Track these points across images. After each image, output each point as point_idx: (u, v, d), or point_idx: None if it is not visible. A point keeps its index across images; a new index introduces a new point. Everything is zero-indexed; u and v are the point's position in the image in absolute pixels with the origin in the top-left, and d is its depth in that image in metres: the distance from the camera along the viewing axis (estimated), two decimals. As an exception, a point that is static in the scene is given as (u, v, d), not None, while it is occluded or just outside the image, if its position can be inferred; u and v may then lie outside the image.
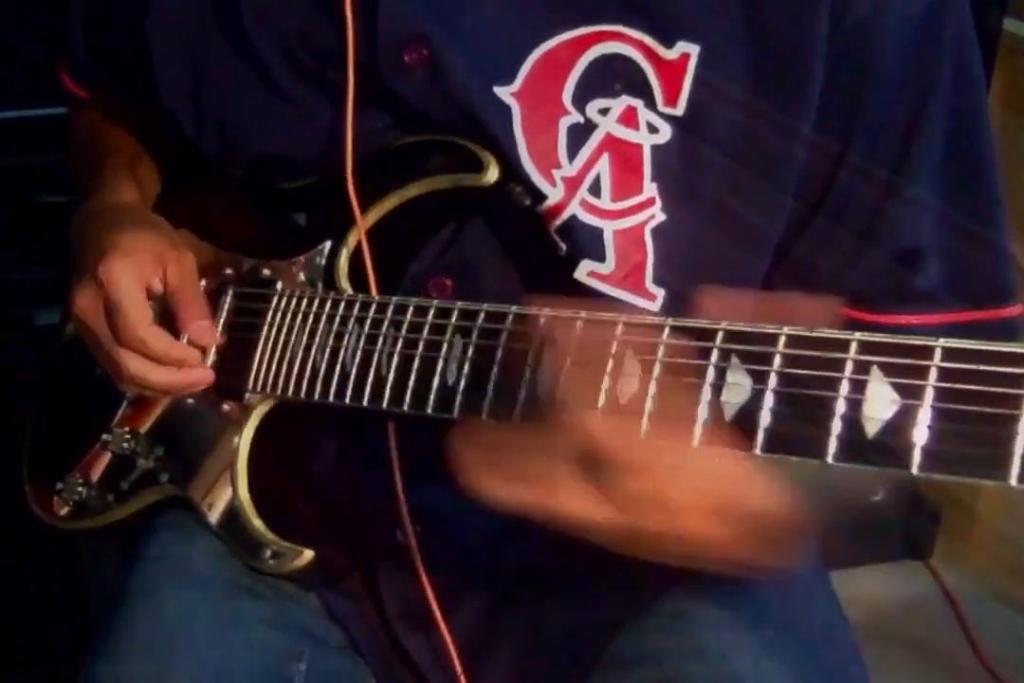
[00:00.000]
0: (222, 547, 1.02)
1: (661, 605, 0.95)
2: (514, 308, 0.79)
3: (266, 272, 1.03)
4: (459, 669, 0.96)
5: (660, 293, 0.90)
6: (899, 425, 0.58)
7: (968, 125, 0.89)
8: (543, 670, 1.01)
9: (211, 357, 1.03)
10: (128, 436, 1.08)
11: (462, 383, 0.81)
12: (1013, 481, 0.53)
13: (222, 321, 1.03)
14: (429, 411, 0.83)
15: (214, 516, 1.01)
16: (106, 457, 1.10)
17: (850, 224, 0.89)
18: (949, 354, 0.57)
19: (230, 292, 1.04)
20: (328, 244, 0.99)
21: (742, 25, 0.85)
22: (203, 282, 1.06)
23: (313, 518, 1.07)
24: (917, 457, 0.57)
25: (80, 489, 1.11)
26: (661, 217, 0.89)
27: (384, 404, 0.86)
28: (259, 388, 0.99)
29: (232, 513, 1.00)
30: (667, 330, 0.67)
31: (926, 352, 0.58)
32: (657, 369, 0.67)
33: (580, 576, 1.01)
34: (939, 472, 0.57)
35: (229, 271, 1.06)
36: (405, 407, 0.84)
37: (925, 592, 2.02)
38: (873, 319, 0.89)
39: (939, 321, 0.89)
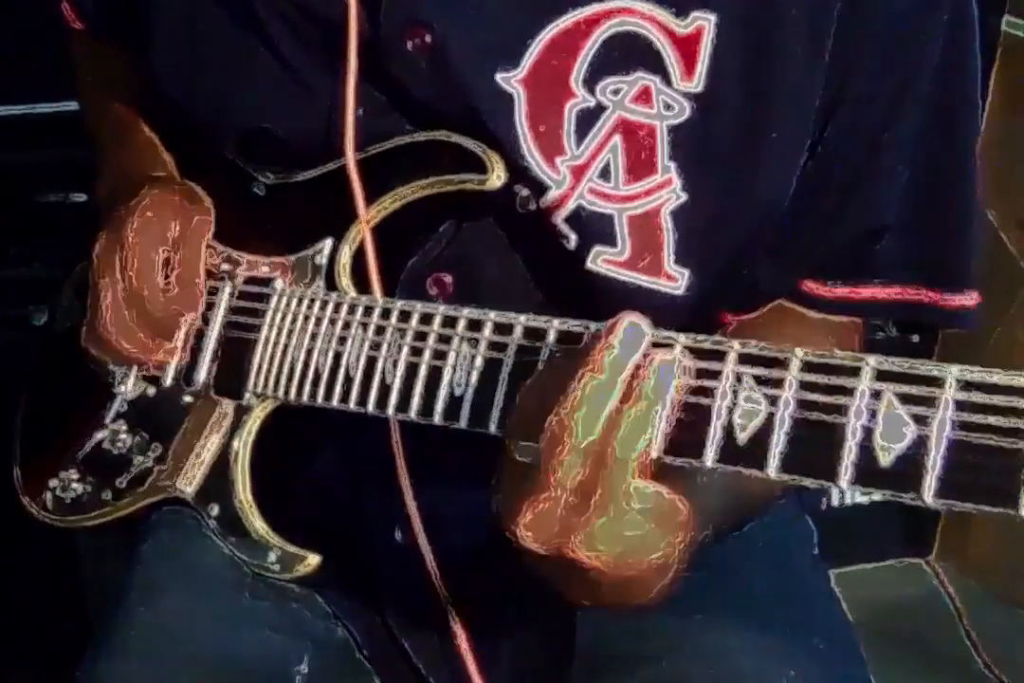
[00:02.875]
0: (223, 546, 1.03)
1: (664, 606, 0.98)
2: (522, 318, 0.80)
3: (265, 269, 1.04)
4: (472, 668, 0.98)
5: (683, 274, 0.91)
6: (913, 454, 0.60)
7: (954, 109, 0.91)
8: (546, 670, 1.04)
9: (207, 355, 1.04)
10: (124, 433, 1.10)
11: (469, 394, 0.82)
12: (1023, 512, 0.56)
13: (219, 319, 1.04)
14: (437, 420, 0.84)
15: (215, 518, 1.02)
16: (101, 454, 1.11)
17: (829, 195, 0.91)
18: (962, 384, 0.59)
19: (227, 290, 1.05)
20: (328, 242, 1.00)
21: None
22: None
23: (314, 518, 1.09)
24: (930, 486, 0.59)
25: (75, 486, 1.13)
26: (682, 197, 0.89)
27: (390, 411, 0.87)
28: (259, 389, 1.00)
29: (233, 515, 1.01)
30: (679, 349, 0.69)
31: (939, 382, 0.60)
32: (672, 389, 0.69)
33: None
34: (951, 501, 0.59)
35: (227, 267, 1.06)
36: (412, 415, 0.86)
37: (924, 590, 2.10)
38: (830, 292, 0.93)
39: (891, 296, 0.92)
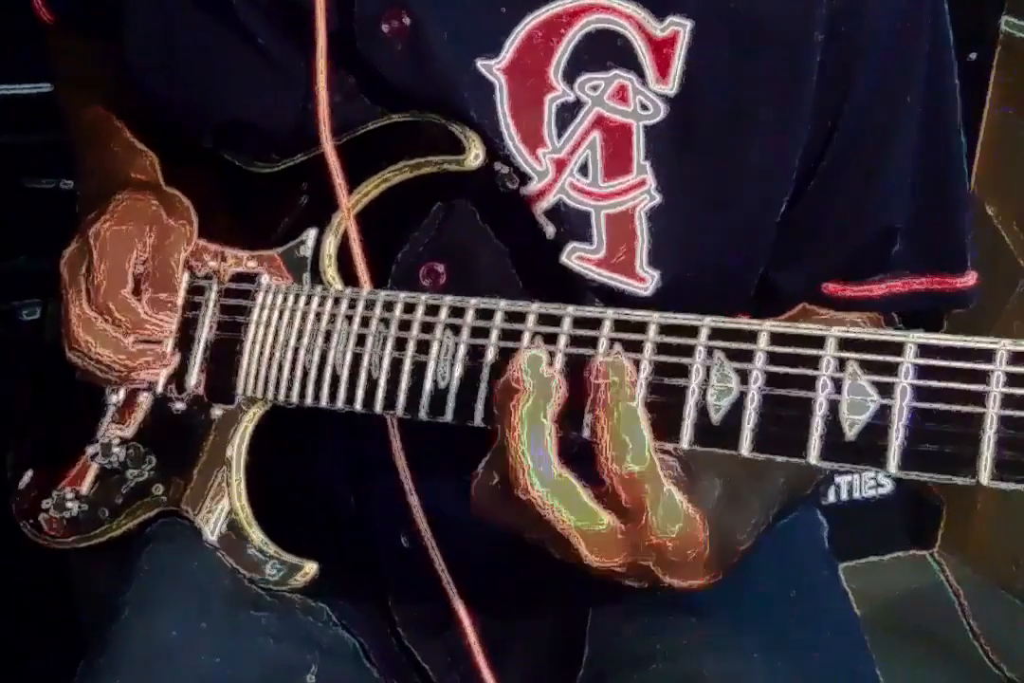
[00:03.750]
0: (221, 557, 1.07)
1: (675, 600, 1.03)
2: (503, 303, 0.85)
3: (250, 264, 1.09)
4: (487, 673, 1.03)
5: (653, 276, 0.98)
6: (876, 425, 0.65)
7: (942, 101, 1.01)
8: (557, 669, 1.09)
9: (196, 358, 1.09)
10: (117, 447, 1.15)
11: (454, 385, 0.87)
12: (983, 480, 0.61)
13: (207, 319, 1.09)
14: (423, 415, 0.89)
15: (210, 530, 1.07)
16: (95, 470, 1.16)
17: (842, 201, 1.01)
18: (923, 350, 0.65)
19: (214, 288, 1.10)
20: (312, 232, 1.05)
21: (736, 3, 0.94)
22: (186, 276, 1.11)
23: (316, 524, 1.14)
24: (894, 456, 0.64)
25: (70, 505, 1.17)
26: (656, 199, 0.97)
27: (378, 408, 0.92)
28: (249, 392, 1.05)
29: (229, 526, 1.06)
30: (654, 327, 0.74)
31: (900, 348, 0.65)
32: (647, 369, 0.75)
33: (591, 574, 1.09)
34: (915, 471, 0.64)
35: (212, 263, 1.11)
36: (399, 411, 0.91)
37: (928, 582, 2.35)
38: (849, 292, 1.04)
39: (906, 288, 1.04)
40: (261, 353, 1.04)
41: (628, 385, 0.74)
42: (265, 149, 1.08)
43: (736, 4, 0.94)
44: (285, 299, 1.04)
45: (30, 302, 1.62)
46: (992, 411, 0.62)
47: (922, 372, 0.64)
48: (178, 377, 1.11)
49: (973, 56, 1.96)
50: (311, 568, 1.04)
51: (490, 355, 0.85)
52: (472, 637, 1.00)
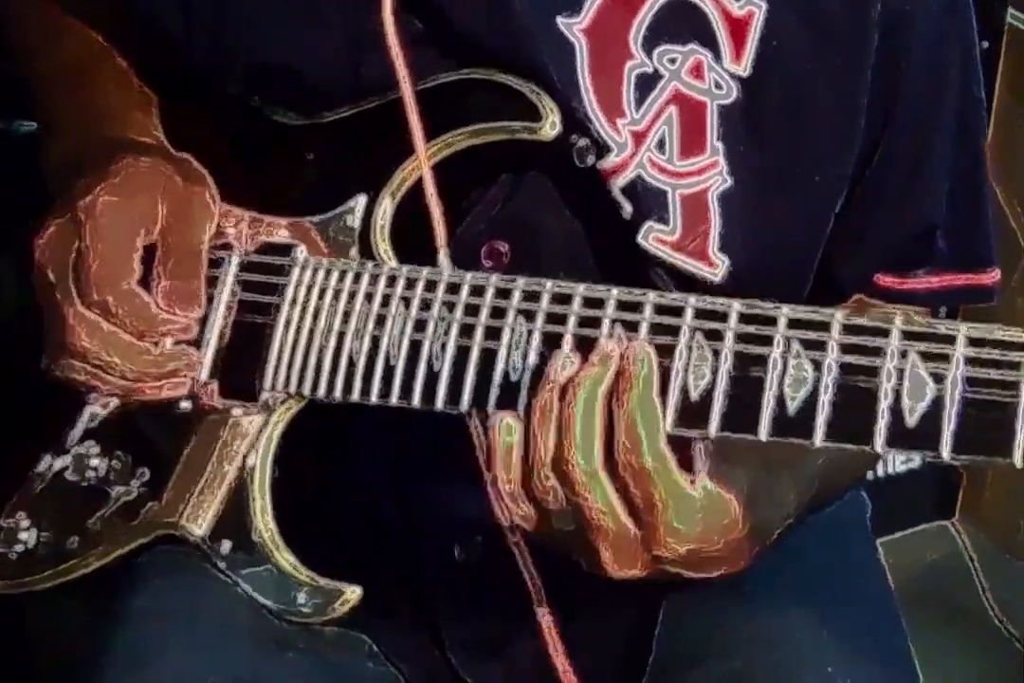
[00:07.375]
0: (238, 589, 1.31)
1: (731, 593, 1.42)
2: (581, 288, 1.17)
3: (282, 232, 1.36)
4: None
5: (723, 261, 1.38)
6: (933, 412, 1.02)
7: (972, 104, 1.49)
8: (614, 673, 1.47)
9: (210, 346, 1.34)
10: (96, 458, 1.38)
11: (527, 378, 1.16)
12: (1018, 463, 0.99)
13: (224, 298, 1.35)
14: (491, 411, 1.16)
15: (226, 557, 1.31)
16: (62, 488, 1.39)
17: (887, 199, 1.45)
18: (970, 341, 1.02)
19: (235, 260, 1.36)
20: (361, 199, 1.33)
21: None
22: None
23: (350, 541, 1.43)
24: (947, 442, 1.02)
25: (24, 535, 1.39)
26: (727, 182, 1.37)
27: (438, 404, 1.20)
28: (278, 387, 1.31)
29: (251, 550, 1.29)
30: (735, 316, 1.10)
31: (952, 339, 1.02)
32: (728, 359, 1.10)
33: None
34: (963, 455, 1.02)
35: (232, 230, 1.37)
36: (464, 407, 1.19)
37: (949, 550, 3.51)
38: (894, 285, 1.50)
39: (943, 283, 1.51)
40: (296, 340, 1.29)
41: (654, 375, 1.10)
42: (305, 99, 1.36)
43: None
44: (327, 276, 1.30)
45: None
46: (1024, 398, 0.98)
47: (969, 362, 1.01)
48: None
49: (985, 44, 2.68)
50: (353, 594, 1.28)
51: (567, 345, 1.15)
52: (558, 649, 1.34)
